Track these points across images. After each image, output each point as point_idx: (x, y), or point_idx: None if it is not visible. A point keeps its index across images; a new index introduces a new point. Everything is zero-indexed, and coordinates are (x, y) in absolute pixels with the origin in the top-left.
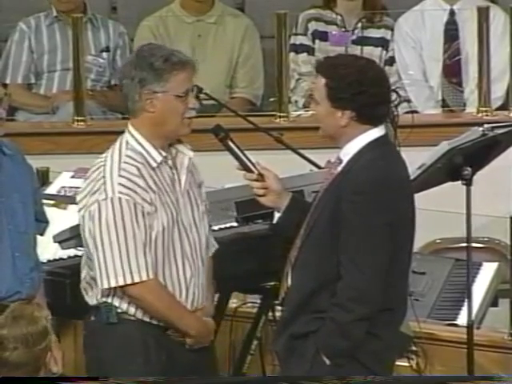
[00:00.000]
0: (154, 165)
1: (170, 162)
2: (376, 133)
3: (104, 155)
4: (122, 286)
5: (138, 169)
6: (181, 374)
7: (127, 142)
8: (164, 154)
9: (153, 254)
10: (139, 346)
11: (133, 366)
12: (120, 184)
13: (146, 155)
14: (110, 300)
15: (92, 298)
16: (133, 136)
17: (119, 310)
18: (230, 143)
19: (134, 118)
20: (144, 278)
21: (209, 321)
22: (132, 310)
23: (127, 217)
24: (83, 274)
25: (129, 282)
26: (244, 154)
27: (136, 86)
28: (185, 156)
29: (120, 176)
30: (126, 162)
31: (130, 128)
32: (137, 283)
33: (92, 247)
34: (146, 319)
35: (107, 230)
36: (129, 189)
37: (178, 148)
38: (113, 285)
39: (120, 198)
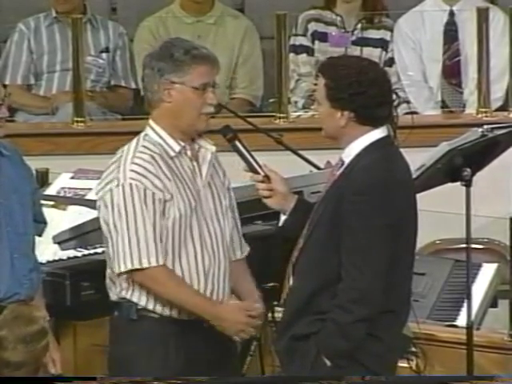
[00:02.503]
0: (172, 154)
1: (189, 153)
2: (378, 134)
3: (124, 147)
4: (131, 271)
5: (152, 157)
6: (202, 372)
7: (146, 134)
8: (183, 144)
9: (169, 241)
10: (158, 345)
11: (151, 365)
12: (132, 171)
13: (164, 145)
14: (128, 296)
15: (114, 294)
16: (152, 128)
17: (139, 307)
18: (238, 144)
19: (154, 110)
20: (153, 263)
21: (234, 309)
22: (151, 305)
23: (137, 202)
24: (107, 270)
25: (136, 266)
26: (251, 155)
27: (155, 75)
28: (207, 150)
29: (132, 163)
30: (140, 151)
31: (150, 121)
32: (144, 269)
33: (106, 235)
34: (166, 314)
35: (118, 215)
36: (140, 175)
37: (201, 143)
38: (122, 269)
39: (131, 184)
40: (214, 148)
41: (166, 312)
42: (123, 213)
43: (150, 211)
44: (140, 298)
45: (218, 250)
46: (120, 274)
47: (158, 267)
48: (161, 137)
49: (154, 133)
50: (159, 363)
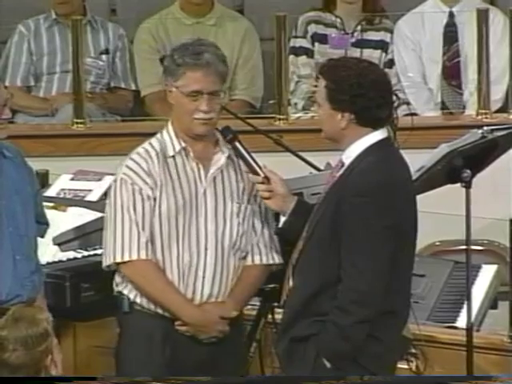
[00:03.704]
0: (171, 153)
1: (192, 154)
2: (377, 136)
3: None
4: (118, 265)
5: (148, 153)
6: (189, 370)
7: (161, 132)
8: (184, 144)
9: (153, 238)
10: (144, 339)
11: (137, 358)
12: (126, 166)
13: (167, 143)
14: (121, 289)
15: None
16: (166, 125)
17: (131, 300)
18: (238, 145)
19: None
20: (134, 257)
21: (211, 313)
22: (138, 299)
23: (124, 197)
24: None
25: (118, 259)
26: (251, 157)
27: (163, 74)
28: (222, 154)
29: (129, 159)
30: (142, 147)
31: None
32: (127, 262)
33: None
34: (152, 309)
35: (109, 209)
36: (132, 171)
37: (221, 145)
38: (107, 263)
39: (122, 179)
40: (227, 152)
41: (152, 307)
42: (112, 206)
43: (138, 207)
44: (130, 292)
45: (206, 252)
46: (107, 267)
47: (140, 261)
48: (169, 135)
49: (166, 130)
50: (144, 357)
